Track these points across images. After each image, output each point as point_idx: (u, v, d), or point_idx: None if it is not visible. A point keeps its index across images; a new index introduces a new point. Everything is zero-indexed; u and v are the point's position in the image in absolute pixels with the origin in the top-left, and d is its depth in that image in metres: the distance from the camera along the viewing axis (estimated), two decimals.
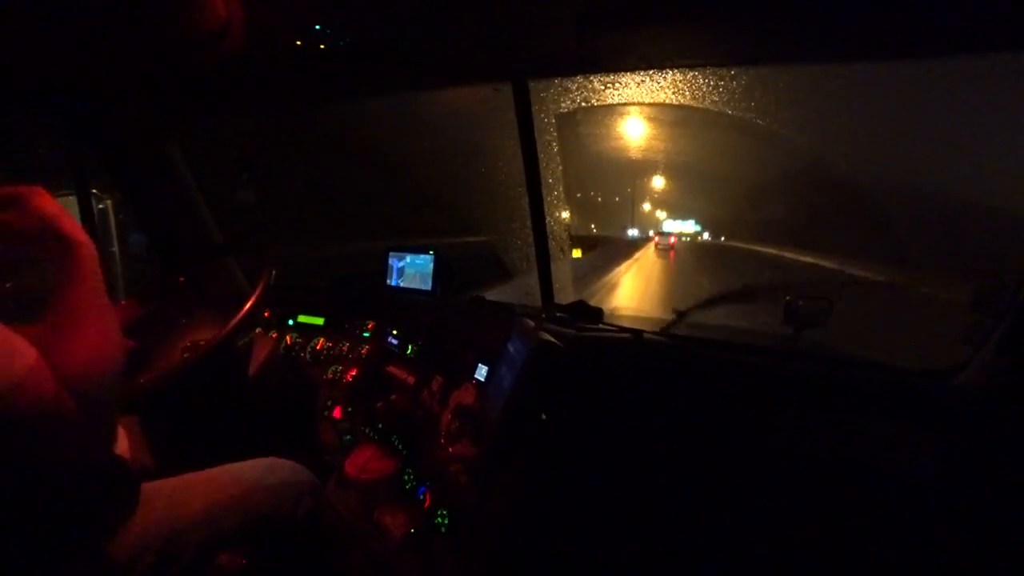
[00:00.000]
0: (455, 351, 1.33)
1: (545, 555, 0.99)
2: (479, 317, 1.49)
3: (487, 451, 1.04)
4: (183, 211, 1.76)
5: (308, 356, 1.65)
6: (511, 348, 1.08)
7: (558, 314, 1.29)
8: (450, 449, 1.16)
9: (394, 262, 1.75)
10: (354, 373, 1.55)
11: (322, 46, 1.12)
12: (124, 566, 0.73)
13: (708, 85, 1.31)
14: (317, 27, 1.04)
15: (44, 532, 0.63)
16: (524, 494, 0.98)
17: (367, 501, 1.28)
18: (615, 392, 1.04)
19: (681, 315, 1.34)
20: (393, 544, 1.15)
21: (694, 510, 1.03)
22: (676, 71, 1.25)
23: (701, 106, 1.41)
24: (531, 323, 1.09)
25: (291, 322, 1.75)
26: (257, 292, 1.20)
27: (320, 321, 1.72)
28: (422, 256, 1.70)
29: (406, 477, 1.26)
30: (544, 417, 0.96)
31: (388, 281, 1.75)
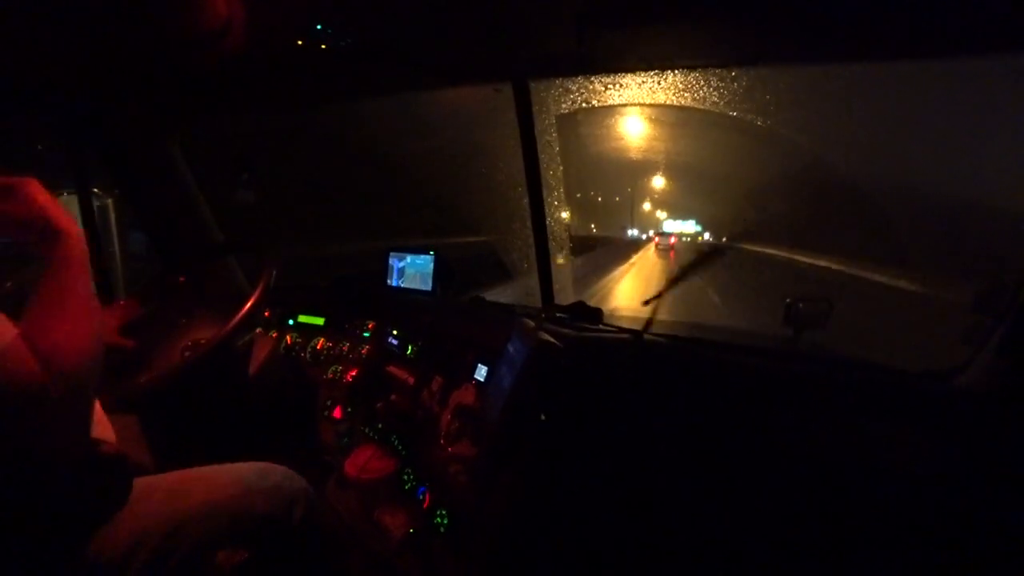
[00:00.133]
0: (455, 351, 1.32)
1: (544, 555, 0.99)
2: (479, 317, 1.49)
3: (487, 451, 1.04)
4: (183, 210, 1.76)
5: (308, 356, 1.65)
6: (511, 348, 1.08)
7: (558, 315, 1.29)
8: (450, 449, 1.16)
9: (394, 262, 1.75)
10: (354, 373, 1.55)
11: (323, 46, 1.12)
12: (120, 560, 0.73)
13: (709, 86, 1.31)
14: (318, 27, 1.04)
15: (35, 522, 0.64)
16: (523, 494, 0.98)
17: (367, 501, 1.28)
18: (615, 393, 1.04)
19: (647, 302, 1.31)
20: (392, 544, 1.15)
21: (694, 511, 1.03)
22: (677, 72, 1.25)
23: (702, 107, 1.41)
24: (531, 323, 1.09)
25: (291, 322, 1.75)
26: (257, 292, 1.20)
27: (320, 321, 1.72)
28: (422, 256, 1.70)
29: (406, 477, 1.26)
30: (544, 418, 0.96)
31: (388, 281, 1.75)
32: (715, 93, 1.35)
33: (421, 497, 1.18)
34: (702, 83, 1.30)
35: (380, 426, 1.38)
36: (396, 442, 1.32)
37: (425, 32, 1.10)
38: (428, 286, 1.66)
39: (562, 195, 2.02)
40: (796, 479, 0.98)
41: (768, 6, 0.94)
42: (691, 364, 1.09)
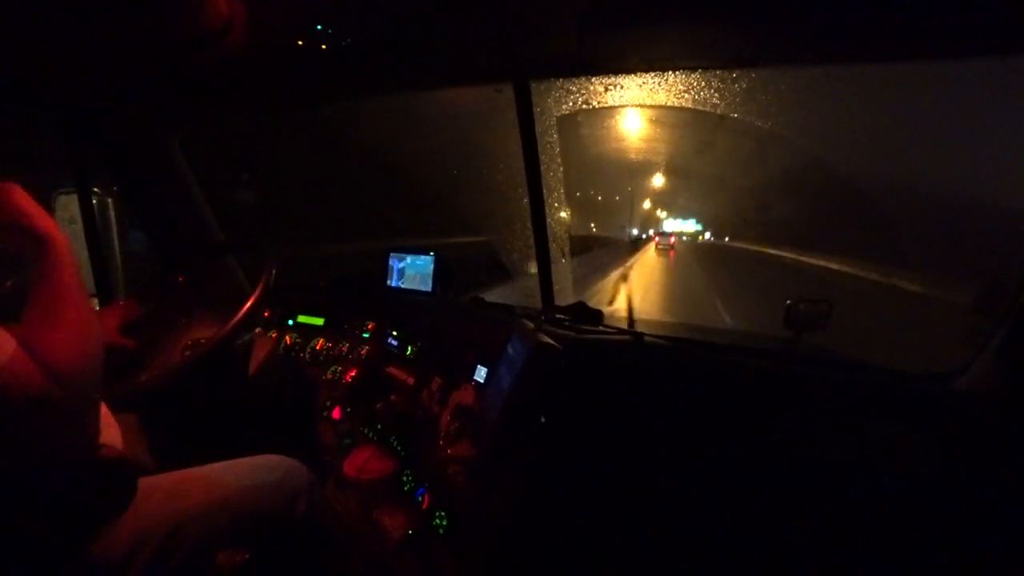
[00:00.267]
0: (455, 352, 1.32)
1: (544, 556, 0.99)
2: (479, 318, 1.49)
3: (486, 452, 1.04)
4: (184, 210, 1.76)
5: (308, 356, 1.65)
6: (511, 349, 1.08)
7: (558, 316, 1.29)
8: (449, 450, 1.16)
9: (394, 263, 1.75)
10: (353, 373, 1.54)
11: (323, 46, 1.12)
12: (122, 561, 0.73)
13: (710, 87, 1.31)
14: (319, 27, 1.04)
15: (38, 523, 0.64)
16: (523, 495, 0.98)
17: (366, 502, 1.28)
18: (615, 394, 1.04)
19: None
20: (391, 545, 1.15)
21: (694, 512, 1.03)
22: (677, 73, 1.24)
23: (703, 108, 1.41)
24: (531, 325, 1.09)
25: (291, 322, 1.75)
26: (258, 291, 1.20)
27: (320, 321, 1.72)
28: (422, 257, 1.69)
29: (405, 478, 1.26)
30: (543, 419, 0.96)
31: (388, 282, 1.75)
32: (716, 94, 1.35)
33: (420, 498, 1.18)
34: (703, 84, 1.30)
35: (379, 427, 1.38)
36: (395, 443, 1.31)
37: (426, 32, 1.10)
38: (428, 286, 1.66)
39: (562, 195, 2.02)
40: (796, 480, 0.98)
41: (768, 7, 0.94)
42: (691, 366, 1.09)
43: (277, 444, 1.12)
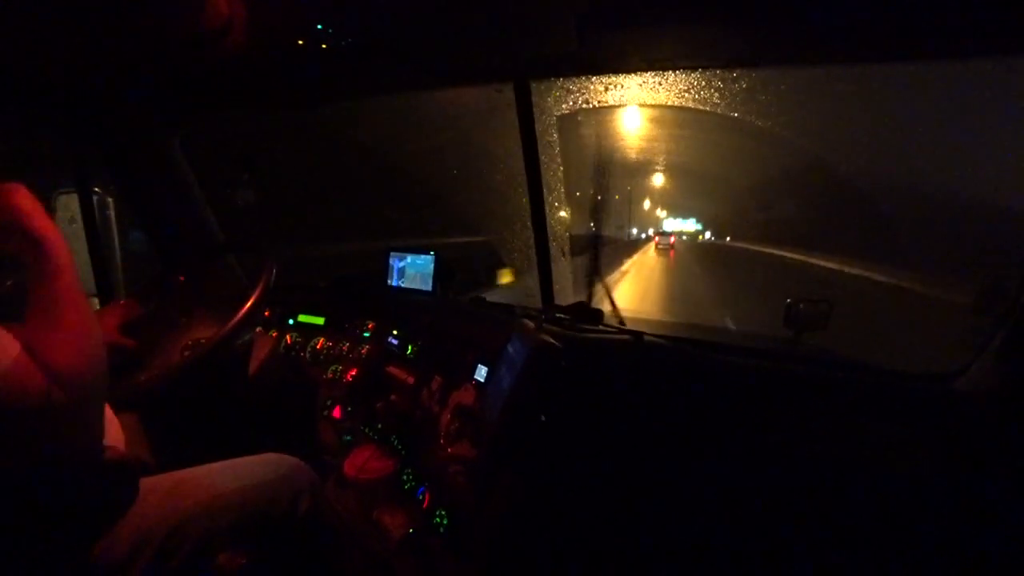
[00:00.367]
0: (455, 352, 1.32)
1: (543, 556, 0.99)
2: (479, 318, 1.49)
3: (486, 452, 1.04)
4: (184, 210, 1.76)
5: (308, 356, 1.65)
6: (511, 349, 1.08)
7: (558, 315, 1.29)
8: (449, 449, 1.16)
9: (395, 262, 1.75)
10: (354, 373, 1.55)
11: (324, 46, 1.12)
12: (124, 560, 0.74)
13: (710, 87, 1.31)
14: (319, 27, 1.04)
15: (40, 523, 0.64)
16: (523, 495, 0.98)
17: (366, 501, 1.28)
18: (615, 394, 1.04)
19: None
20: (392, 544, 1.15)
21: (694, 512, 1.03)
22: (677, 72, 1.24)
23: (703, 108, 1.41)
24: (531, 324, 1.09)
25: (291, 321, 1.75)
26: (258, 291, 1.20)
27: (320, 321, 1.72)
28: (423, 256, 1.70)
29: (405, 477, 1.26)
30: (543, 418, 0.96)
31: (388, 281, 1.75)
32: (716, 94, 1.35)
33: (420, 497, 1.18)
34: (703, 84, 1.30)
35: (380, 426, 1.38)
36: (396, 442, 1.32)
37: (426, 32, 1.10)
38: (428, 286, 1.66)
39: (562, 195, 2.02)
40: (796, 480, 0.98)
41: (768, 7, 0.94)
42: (692, 365, 1.09)
43: (277, 443, 1.12)
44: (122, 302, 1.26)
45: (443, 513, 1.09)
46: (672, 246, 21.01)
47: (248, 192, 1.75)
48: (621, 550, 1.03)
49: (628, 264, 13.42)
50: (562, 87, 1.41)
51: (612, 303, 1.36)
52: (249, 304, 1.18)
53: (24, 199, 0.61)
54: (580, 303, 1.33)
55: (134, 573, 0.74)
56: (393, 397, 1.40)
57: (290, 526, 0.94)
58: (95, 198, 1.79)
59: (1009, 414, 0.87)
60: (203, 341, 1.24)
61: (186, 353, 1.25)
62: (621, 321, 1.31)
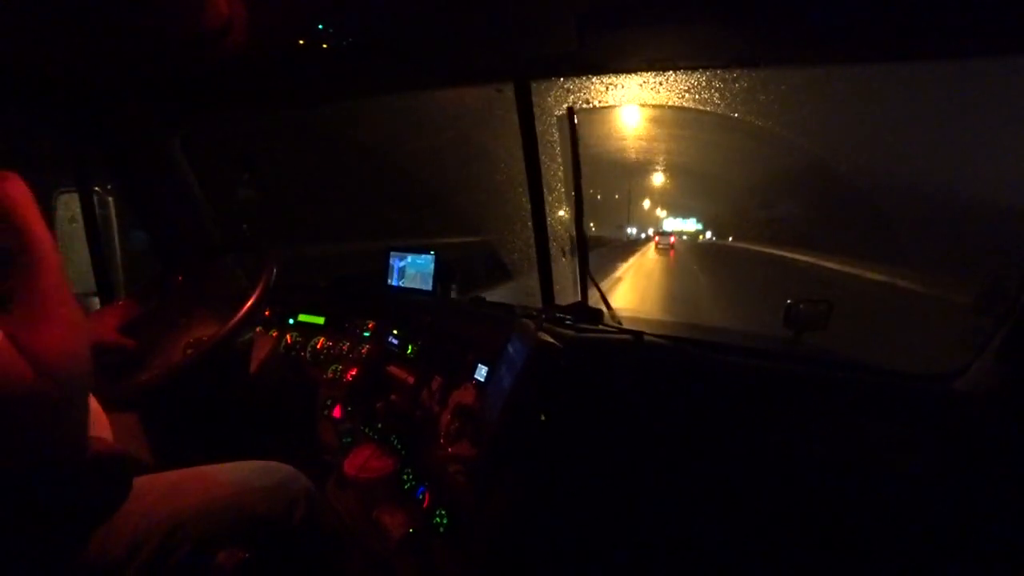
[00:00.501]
0: (455, 351, 1.32)
1: (543, 556, 0.99)
2: (479, 318, 1.49)
3: (486, 451, 1.04)
4: (184, 209, 1.76)
5: (308, 355, 1.65)
6: (511, 349, 1.08)
7: (558, 315, 1.29)
8: (449, 449, 1.16)
9: (395, 262, 1.75)
10: (354, 373, 1.55)
11: (324, 46, 1.12)
12: (122, 558, 0.73)
13: (710, 87, 1.31)
14: (319, 26, 1.04)
15: (33, 521, 0.64)
16: (523, 495, 0.98)
17: (366, 500, 1.28)
18: (615, 393, 1.04)
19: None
20: (392, 544, 1.15)
21: (694, 511, 1.03)
22: (677, 72, 1.24)
23: (703, 108, 1.41)
24: (531, 324, 1.09)
25: (291, 321, 1.76)
26: (259, 289, 1.20)
27: (320, 320, 1.72)
28: (423, 256, 1.70)
29: (405, 477, 1.26)
30: (543, 418, 0.96)
31: (389, 281, 1.75)
32: (716, 94, 1.35)
33: (420, 497, 1.18)
34: (703, 84, 1.30)
35: (380, 426, 1.38)
36: (396, 442, 1.32)
37: (426, 32, 1.10)
38: (428, 286, 1.66)
39: (562, 195, 2.02)
40: (796, 480, 0.98)
41: (768, 7, 0.94)
42: (692, 365, 1.09)
43: (278, 443, 1.13)
44: (121, 302, 1.26)
45: (443, 513, 1.09)
46: (672, 246, 21.02)
47: (248, 192, 1.75)
48: (621, 549, 1.03)
49: (623, 270, 12.94)
50: (562, 87, 1.41)
51: (607, 305, 1.36)
52: (250, 303, 1.18)
53: (15, 188, 0.60)
54: (580, 303, 1.33)
55: (133, 570, 0.74)
56: (393, 397, 1.41)
57: (287, 531, 0.94)
58: (95, 198, 1.79)
59: (1009, 414, 0.87)
60: (205, 339, 1.24)
61: (189, 351, 1.24)
62: (619, 321, 1.31)
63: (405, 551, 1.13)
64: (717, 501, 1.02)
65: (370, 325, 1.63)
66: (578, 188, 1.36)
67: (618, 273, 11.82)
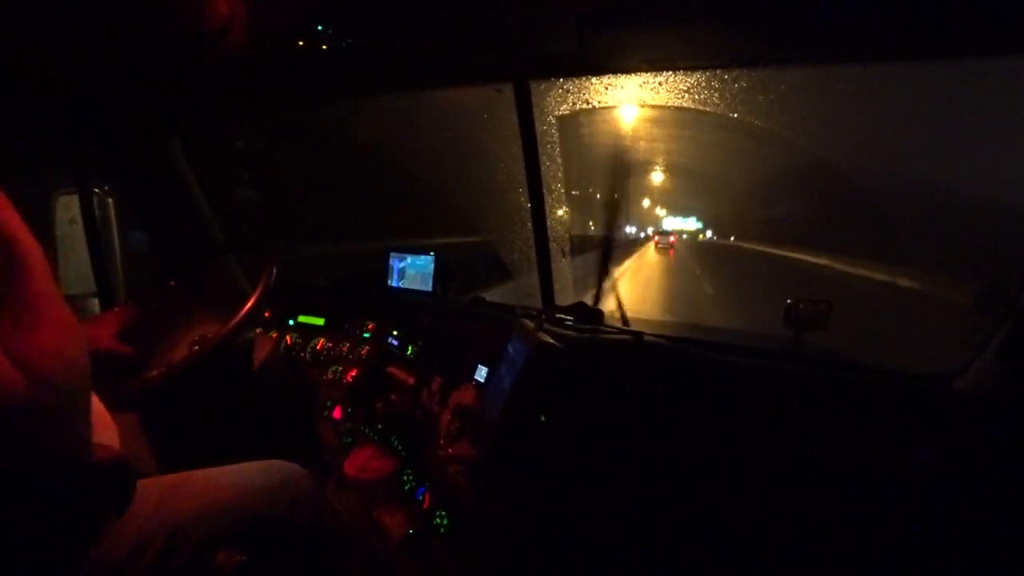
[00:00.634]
0: (455, 352, 1.32)
1: (544, 556, 0.99)
2: (479, 318, 1.49)
3: (486, 452, 1.04)
4: (184, 210, 1.76)
5: (308, 356, 1.65)
6: (511, 349, 1.08)
7: (558, 315, 1.29)
8: (449, 450, 1.16)
9: (395, 263, 1.75)
10: (354, 373, 1.55)
11: (324, 46, 1.12)
12: (124, 561, 0.73)
13: (710, 87, 1.31)
14: (319, 27, 1.04)
15: (33, 527, 0.63)
16: (523, 495, 0.98)
17: (366, 501, 1.28)
18: (615, 394, 1.04)
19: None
20: (392, 544, 1.15)
21: (694, 511, 1.03)
22: (677, 72, 1.24)
23: (703, 108, 1.41)
24: (531, 324, 1.09)
25: (291, 322, 1.75)
26: (260, 288, 1.20)
27: (320, 321, 1.72)
28: (423, 257, 1.70)
29: (405, 477, 1.26)
30: (543, 418, 0.96)
31: (389, 282, 1.75)
32: (716, 94, 1.35)
33: (421, 497, 1.18)
34: (703, 84, 1.30)
35: (380, 426, 1.38)
36: (396, 442, 1.32)
37: (426, 33, 1.10)
38: (428, 286, 1.66)
39: (562, 195, 2.02)
40: (796, 480, 0.98)
41: (768, 7, 0.94)
42: (692, 365, 1.09)
43: (278, 444, 1.12)
44: (117, 309, 1.26)
45: (443, 513, 1.09)
46: (672, 245, 21.04)
47: (248, 192, 1.75)
48: (621, 550, 1.03)
49: (620, 271, 12.70)
50: (562, 87, 1.41)
51: (619, 302, 1.35)
52: (251, 303, 1.18)
53: None
54: (580, 303, 1.33)
55: (135, 573, 0.74)
56: (393, 397, 1.41)
57: (289, 531, 0.94)
58: (95, 198, 1.79)
59: (1009, 414, 0.87)
60: (211, 336, 1.23)
61: (194, 348, 1.24)
62: (624, 321, 1.31)
63: (405, 552, 1.13)
64: (717, 501, 1.02)
65: (370, 326, 1.63)
66: (611, 199, 1.35)
67: (615, 274, 11.75)
